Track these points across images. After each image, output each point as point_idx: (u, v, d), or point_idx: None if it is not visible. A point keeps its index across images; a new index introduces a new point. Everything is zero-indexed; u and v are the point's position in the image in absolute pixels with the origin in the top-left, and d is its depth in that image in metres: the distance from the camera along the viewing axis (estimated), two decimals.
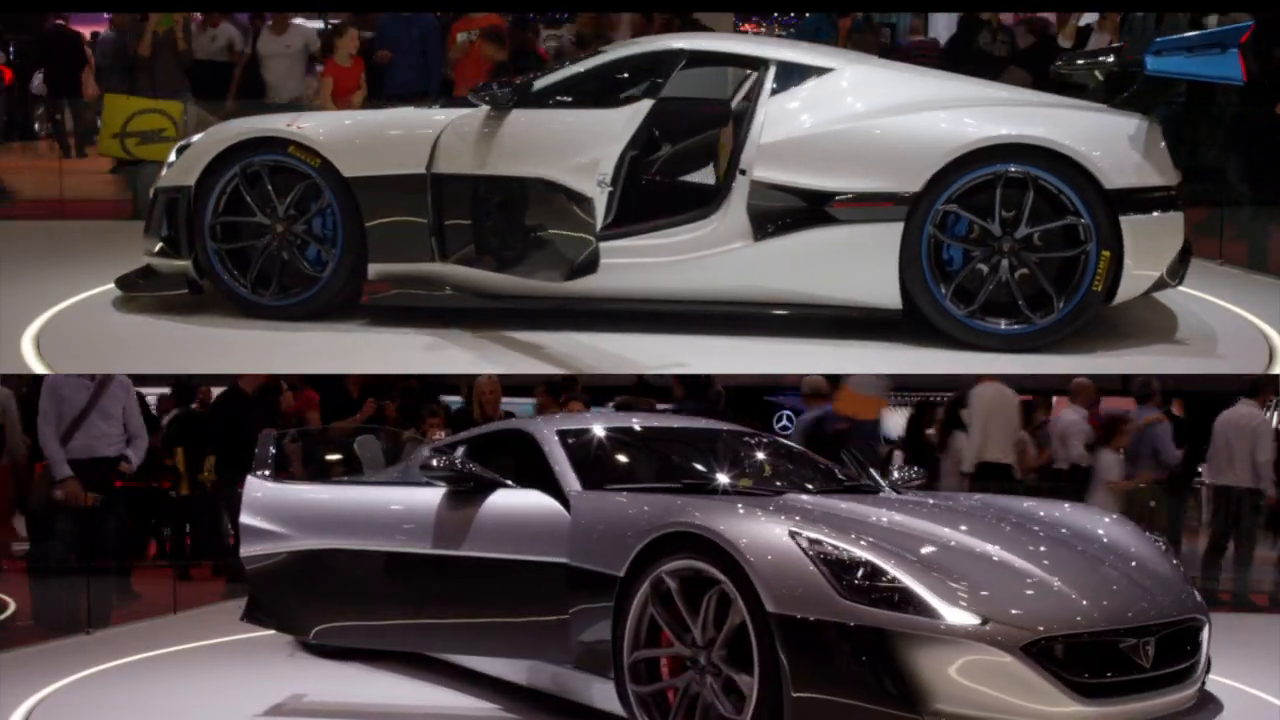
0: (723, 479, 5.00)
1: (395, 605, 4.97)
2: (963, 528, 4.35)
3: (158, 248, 6.48)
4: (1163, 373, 6.11)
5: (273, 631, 5.82)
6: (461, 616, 4.75)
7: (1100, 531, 4.69)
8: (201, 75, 10.80)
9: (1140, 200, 5.79)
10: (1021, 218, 5.78)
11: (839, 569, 3.74)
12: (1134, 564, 4.42)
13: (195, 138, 6.61)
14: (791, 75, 6.21)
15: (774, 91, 6.16)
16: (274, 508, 5.52)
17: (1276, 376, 6.29)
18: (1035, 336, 5.88)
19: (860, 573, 3.74)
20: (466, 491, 4.79)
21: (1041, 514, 4.87)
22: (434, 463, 4.79)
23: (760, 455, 5.54)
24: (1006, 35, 10.38)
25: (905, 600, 3.69)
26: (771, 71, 6.21)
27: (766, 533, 3.87)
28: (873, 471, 5.69)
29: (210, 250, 6.32)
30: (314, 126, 6.27)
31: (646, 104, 5.76)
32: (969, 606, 3.72)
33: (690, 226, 6.10)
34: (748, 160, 6.04)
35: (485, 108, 6.02)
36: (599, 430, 5.24)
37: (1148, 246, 5.85)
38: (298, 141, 6.19)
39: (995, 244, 5.82)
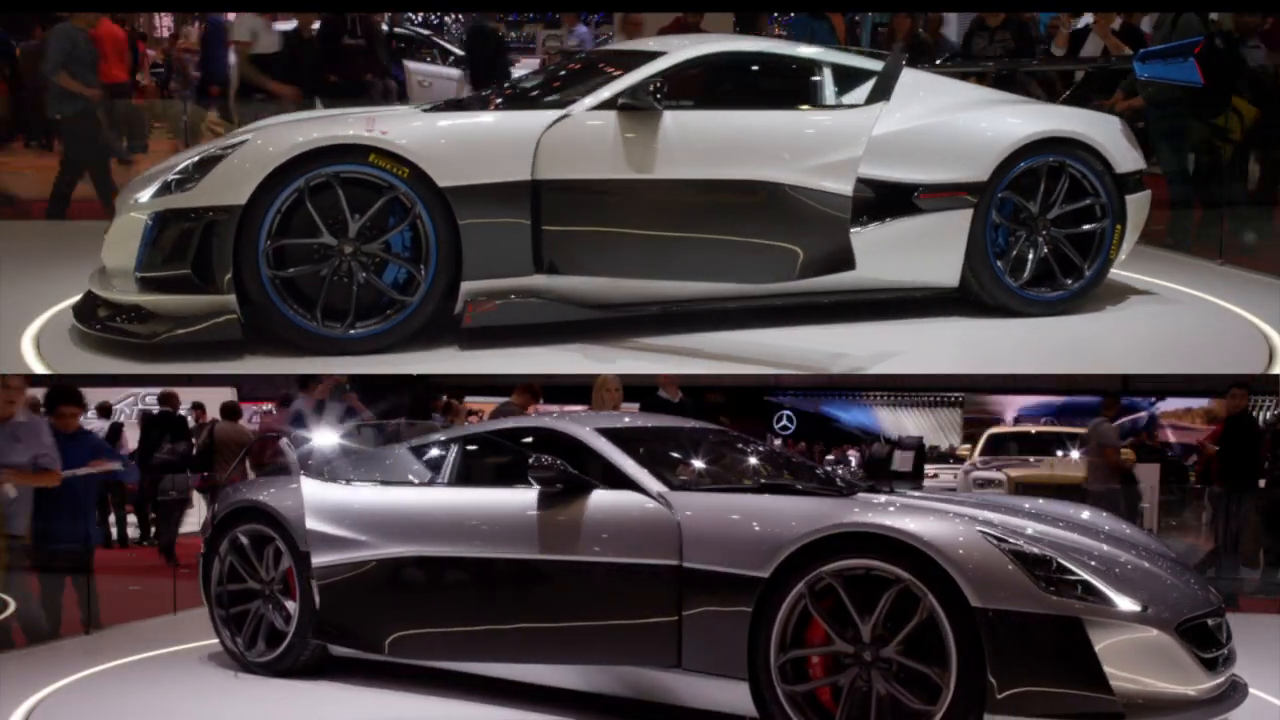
0: (773, 478, 5.19)
1: (483, 612, 4.83)
2: (1055, 525, 4.63)
3: (168, 279, 5.57)
4: (1163, 373, 6.17)
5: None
6: (555, 622, 4.63)
7: (1105, 524, 4.93)
8: None
9: (1134, 182, 6.81)
10: (1055, 200, 6.57)
11: (1031, 564, 3.96)
12: (1161, 553, 4.75)
13: (215, 147, 5.78)
14: (847, 78, 6.56)
15: (839, 92, 6.48)
16: (343, 512, 5.27)
17: (1276, 376, 6.30)
18: (1070, 300, 6.68)
19: (1053, 567, 3.98)
20: (560, 493, 4.68)
21: (1027, 507, 5.01)
22: (542, 462, 4.67)
23: (761, 455, 5.61)
24: (1004, 34, 10.41)
25: (1088, 591, 3.97)
26: (828, 73, 6.50)
27: (957, 531, 4.03)
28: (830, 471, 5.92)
29: (265, 279, 5.52)
30: (399, 131, 5.63)
31: (880, 107, 5.82)
32: (1129, 594, 4.03)
33: None
34: None
35: (586, 108, 5.85)
36: (629, 430, 5.22)
37: (1137, 219, 6.90)
38: (381, 148, 5.54)
39: (1034, 223, 6.57)
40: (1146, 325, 6.78)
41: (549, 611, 4.65)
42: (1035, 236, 6.58)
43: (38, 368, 5.96)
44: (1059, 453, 14.37)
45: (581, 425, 5.14)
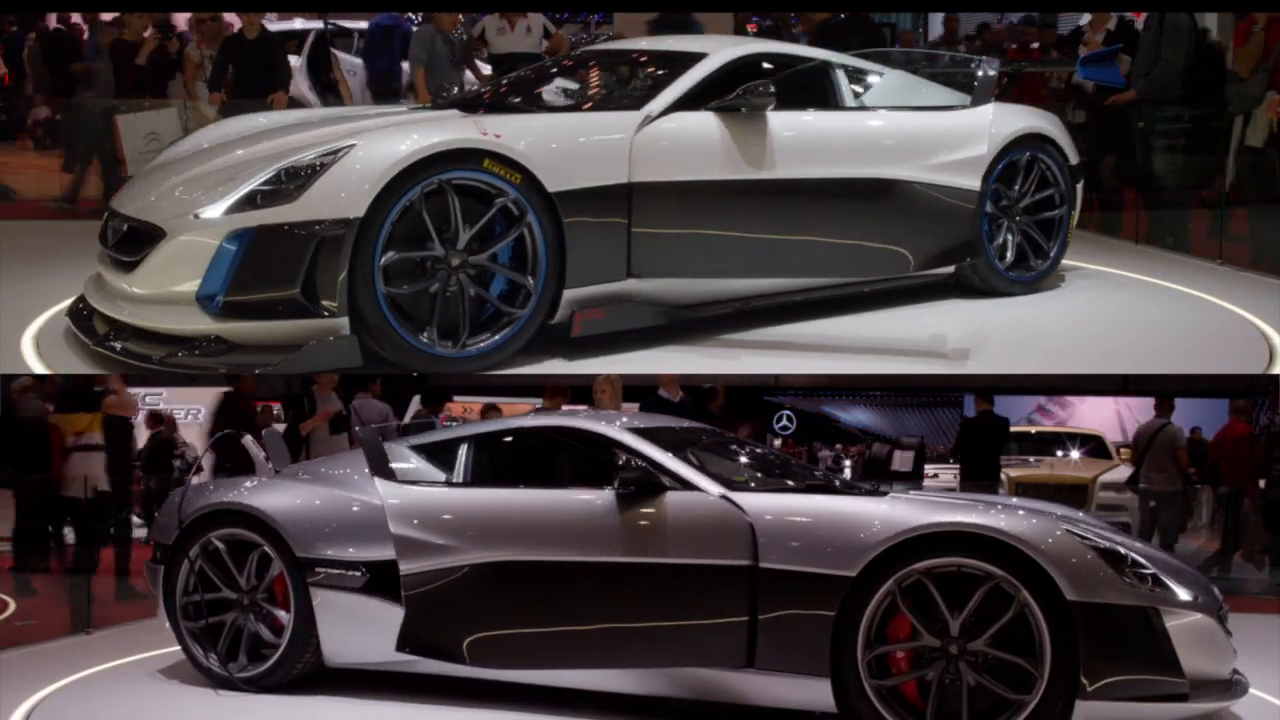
0: (794, 475, 5.28)
1: (568, 616, 4.80)
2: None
3: (266, 303, 5.03)
4: (1163, 373, 6.18)
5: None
6: (632, 624, 4.65)
7: (1090, 522, 5.02)
8: None
9: (1079, 171, 7.47)
10: (1028, 190, 7.13)
11: (1111, 558, 4.23)
12: (1155, 548, 5.08)
13: (295, 156, 5.18)
14: (858, 77, 6.75)
15: (856, 91, 6.63)
16: (427, 516, 5.06)
17: (1277, 376, 6.30)
18: (1039, 279, 7.25)
19: (1128, 561, 4.26)
20: (633, 495, 4.71)
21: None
22: (630, 464, 4.71)
23: (760, 456, 5.61)
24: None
25: (1156, 582, 4.26)
26: (841, 73, 6.63)
27: (1045, 528, 4.26)
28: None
29: (381, 297, 5.07)
30: (512, 134, 5.31)
31: (990, 108, 6.25)
32: (1183, 584, 4.33)
33: None
34: None
35: (669, 109, 5.75)
36: (656, 431, 5.21)
37: (1079, 205, 7.51)
38: (496, 153, 5.21)
39: (1011, 212, 7.09)
40: (1146, 325, 6.79)
41: (627, 614, 4.66)
42: (1008, 223, 7.08)
43: (38, 368, 5.96)
44: (1059, 453, 14.37)
45: (613, 425, 5.13)
